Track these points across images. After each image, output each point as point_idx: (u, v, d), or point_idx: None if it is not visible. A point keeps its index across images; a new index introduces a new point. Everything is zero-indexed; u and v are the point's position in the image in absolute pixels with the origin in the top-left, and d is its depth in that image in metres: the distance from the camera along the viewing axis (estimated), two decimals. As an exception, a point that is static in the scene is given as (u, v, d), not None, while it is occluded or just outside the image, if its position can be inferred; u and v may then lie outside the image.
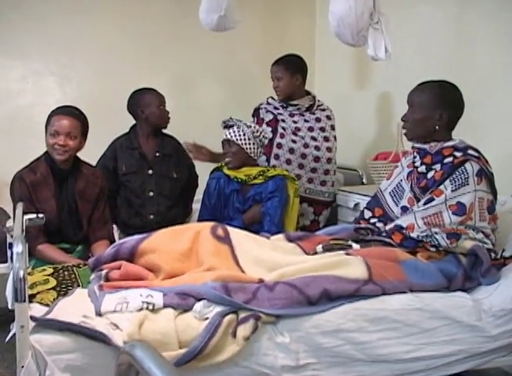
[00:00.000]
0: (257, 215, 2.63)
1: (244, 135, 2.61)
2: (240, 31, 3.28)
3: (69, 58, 3.47)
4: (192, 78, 3.75)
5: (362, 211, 2.37)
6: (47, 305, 1.69)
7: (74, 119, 2.37)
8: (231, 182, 2.67)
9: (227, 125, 2.66)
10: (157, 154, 2.85)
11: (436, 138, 2.13)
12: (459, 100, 2.14)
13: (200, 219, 2.64)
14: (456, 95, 2.14)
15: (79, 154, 2.47)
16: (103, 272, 1.88)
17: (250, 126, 2.64)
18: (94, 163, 2.63)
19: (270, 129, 2.93)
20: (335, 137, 3.03)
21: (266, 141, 2.73)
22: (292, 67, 2.95)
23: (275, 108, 3.01)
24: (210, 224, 2.06)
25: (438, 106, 2.09)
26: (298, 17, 4.00)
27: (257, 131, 2.65)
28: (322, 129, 2.99)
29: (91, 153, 2.51)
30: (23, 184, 2.34)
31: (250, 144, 2.62)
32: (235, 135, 2.60)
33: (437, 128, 2.11)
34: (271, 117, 2.98)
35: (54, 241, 2.35)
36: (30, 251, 2.10)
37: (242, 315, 1.64)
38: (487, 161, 2.08)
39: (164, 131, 2.93)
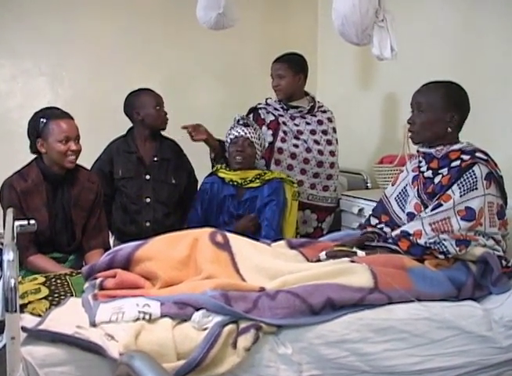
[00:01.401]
0: (248, 224, 2.61)
1: (259, 139, 2.63)
2: (239, 28, 3.29)
3: (60, 57, 3.47)
4: (189, 77, 3.76)
5: (368, 218, 2.38)
6: (39, 315, 1.69)
7: (73, 120, 2.36)
8: (225, 187, 2.66)
9: (245, 123, 2.64)
10: (155, 159, 2.84)
11: (444, 141, 2.14)
12: (466, 101, 2.15)
13: (189, 226, 2.57)
14: (464, 96, 2.15)
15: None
16: (98, 280, 1.88)
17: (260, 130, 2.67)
18: (87, 166, 2.63)
19: (270, 132, 2.91)
20: (337, 140, 3.03)
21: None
22: (295, 66, 2.95)
23: (276, 109, 3.00)
24: (208, 230, 2.06)
25: (448, 107, 2.10)
26: (299, 14, 4.02)
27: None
28: (325, 132, 2.98)
29: (85, 156, 2.51)
30: (12, 192, 2.30)
31: (260, 150, 2.65)
32: (254, 137, 2.60)
33: (449, 130, 2.11)
34: (272, 118, 2.96)
35: (45, 251, 2.34)
36: (20, 262, 2.10)
37: (242, 325, 1.65)
38: (496, 164, 2.09)
39: (164, 134, 2.93)
